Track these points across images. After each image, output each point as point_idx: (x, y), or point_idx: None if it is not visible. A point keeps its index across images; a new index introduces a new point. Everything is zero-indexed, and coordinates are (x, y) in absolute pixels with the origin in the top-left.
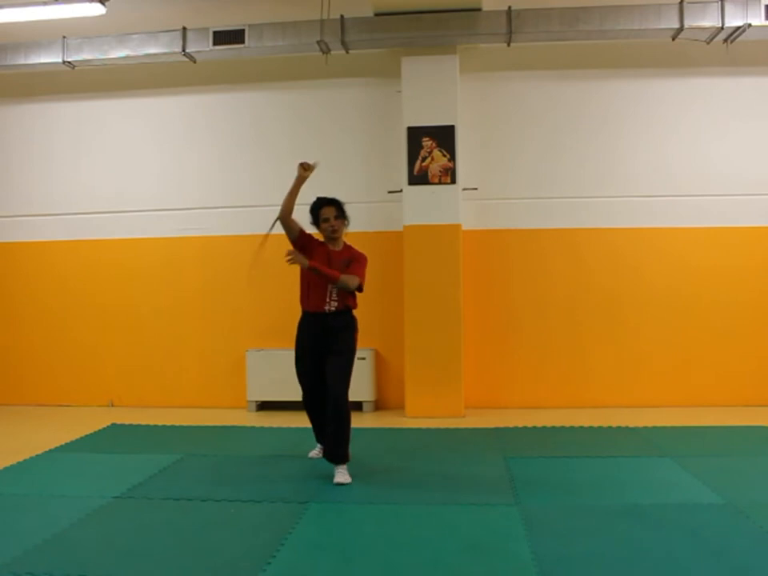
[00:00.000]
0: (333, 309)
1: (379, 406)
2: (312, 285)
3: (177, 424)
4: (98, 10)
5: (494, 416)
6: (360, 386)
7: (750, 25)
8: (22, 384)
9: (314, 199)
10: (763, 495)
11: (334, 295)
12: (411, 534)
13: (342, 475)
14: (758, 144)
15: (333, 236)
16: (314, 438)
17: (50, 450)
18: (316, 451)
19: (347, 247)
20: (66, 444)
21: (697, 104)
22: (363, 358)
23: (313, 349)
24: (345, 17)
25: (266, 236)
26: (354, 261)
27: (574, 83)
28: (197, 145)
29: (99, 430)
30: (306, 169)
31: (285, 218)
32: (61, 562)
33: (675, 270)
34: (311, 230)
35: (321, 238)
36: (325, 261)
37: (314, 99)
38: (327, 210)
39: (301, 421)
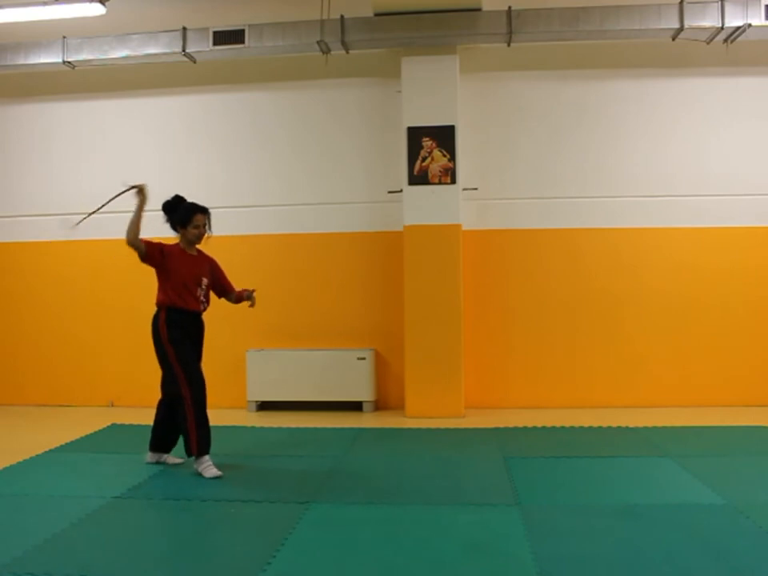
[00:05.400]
0: (203, 309)
1: (379, 406)
2: (188, 283)
3: None
4: (98, 9)
5: (494, 416)
6: (360, 386)
7: (750, 25)
8: (23, 384)
9: (179, 200)
10: (763, 495)
11: (203, 296)
12: (411, 534)
13: (210, 467)
14: (758, 144)
15: (197, 242)
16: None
17: (50, 450)
18: (169, 457)
19: (200, 251)
20: (66, 444)
21: (696, 104)
22: (363, 358)
23: (194, 349)
24: (345, 17)
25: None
26: (219, 269)
27: (573, 83)
28: (197, 145)
29: (99, 430)
30: (140, 190)
31: (135, 239)
32: (61, 562)
33: (675, 270)
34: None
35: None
36: (191, 266)
37: (314, 99)
38: (202, 217)
39: (301, 420)
